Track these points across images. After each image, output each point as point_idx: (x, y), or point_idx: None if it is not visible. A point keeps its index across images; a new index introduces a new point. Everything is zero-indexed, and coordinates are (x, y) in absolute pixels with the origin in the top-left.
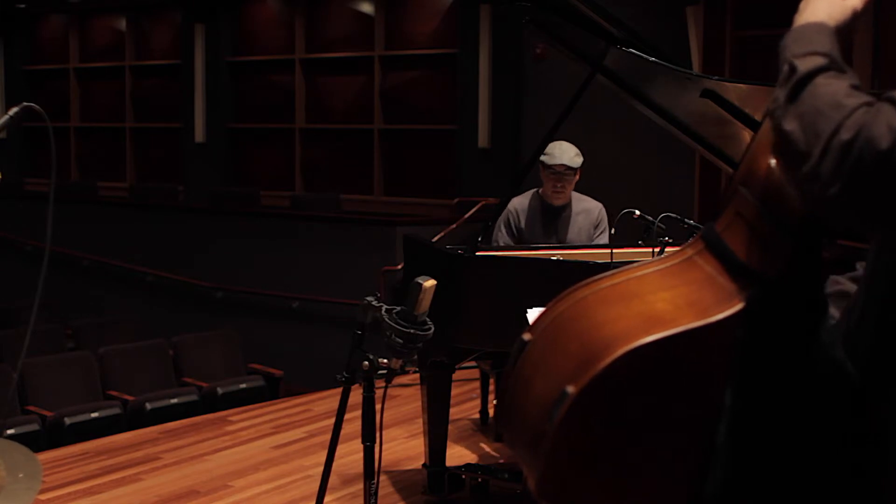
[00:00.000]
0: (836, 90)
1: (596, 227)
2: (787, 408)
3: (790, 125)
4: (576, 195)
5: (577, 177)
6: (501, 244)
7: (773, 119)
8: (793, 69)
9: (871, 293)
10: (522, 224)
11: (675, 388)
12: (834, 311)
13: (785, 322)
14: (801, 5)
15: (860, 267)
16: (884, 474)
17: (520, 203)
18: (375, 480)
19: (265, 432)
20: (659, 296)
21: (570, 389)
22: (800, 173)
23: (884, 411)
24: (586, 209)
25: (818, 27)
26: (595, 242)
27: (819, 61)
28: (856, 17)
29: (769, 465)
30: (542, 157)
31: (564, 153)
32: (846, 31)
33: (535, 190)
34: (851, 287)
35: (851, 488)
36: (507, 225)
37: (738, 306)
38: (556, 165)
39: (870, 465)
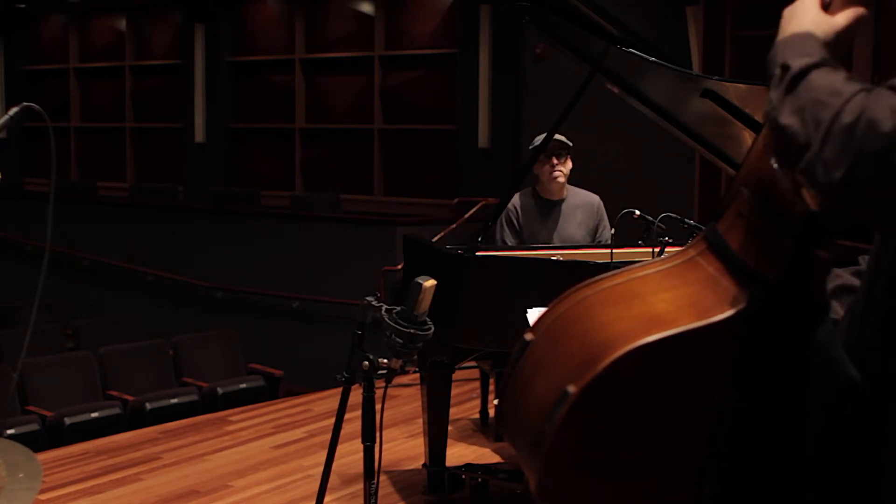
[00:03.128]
0: (832, 80)
1: (599, 223)
2: (787, 409)
3: (788, 119)
4: (571, 188)
5: (570, 164)
6: (507, 242)
7: (770, 119)
8: (786, 68)
9: (873, 295)
10: (522, 221)
11: (675, 389)
12: (837, 308)
13: (786, 323)
14: (784, 21)
15: (862, 261)
16: (884, 476)
17: (518, 201)
18: (375, 480)
19: (265, 432)
20: (660, 296)
21: (571, 389)
22: (801, 165)
23: (886, 413)
24: (584, 203)
25: (806, 35)
26: (601, 239)
27: (813, 59)
28: (841, 35)
29: (769, 467)
30: (533, 146)
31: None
32: (833, 46)
33: (529, 188)
34: (853, 280)
35: (852, 490)
36: (510, 222)
37: (740, 307)
38: (544, 140)
39: (870, 467)
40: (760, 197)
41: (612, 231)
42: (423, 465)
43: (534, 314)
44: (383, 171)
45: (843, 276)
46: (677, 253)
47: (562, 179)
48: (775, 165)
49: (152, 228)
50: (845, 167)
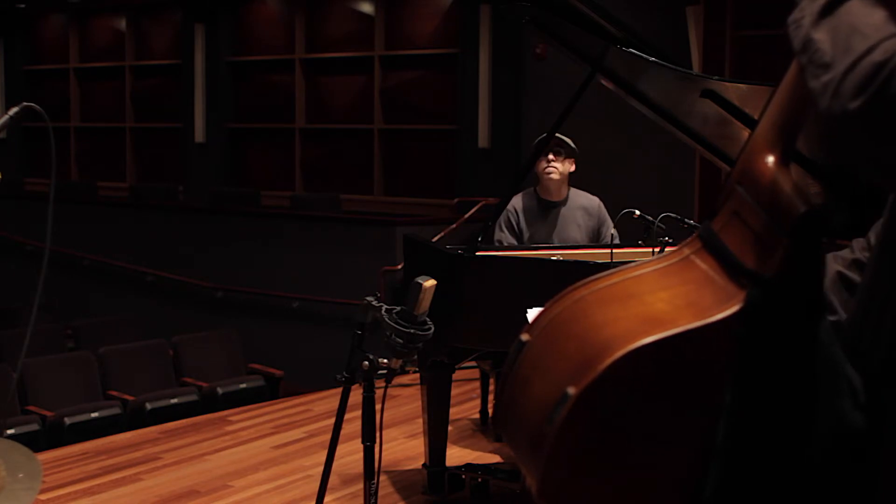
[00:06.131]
0: (874, 13)
1: (602, 225)
2: (786, 408)
3: (819, 34)
4: (573, 190)
5: (573, 166)
6: (505, 244)
7: (797, 27)
8: None
9: (874, 295)
10: (523, 224)
11: (675, 389)
12: (839, 308)
13: (784, 322)
14: None
15: (855, 245)
16: (884, 475)
17: (518, 202)
18: (375, 480)
19: (265, 432)
20: (657, 296)
21: (571, 391)
22: (817, 83)
23: (885, 411)
24: (584, 206)
25: None
26: (605, 240)
27: None
28: None
29: (768, 466)
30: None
31: None
32: None
33: (531, 188)
34: (851, 276)
35: (851, 489)
36: (509, 224)
37: (738, 306)
38: (544, 138)
39: (870, 466)
40: (756, 195)
41: (614, 231)
42: (423, 465)
43: (533, 314)
44: (383, 171)
45: (836, 265)
46: (672, 252)
47: (555, 176)
48: (770, 162)
49: (152, 228)
50: (860, 102)
